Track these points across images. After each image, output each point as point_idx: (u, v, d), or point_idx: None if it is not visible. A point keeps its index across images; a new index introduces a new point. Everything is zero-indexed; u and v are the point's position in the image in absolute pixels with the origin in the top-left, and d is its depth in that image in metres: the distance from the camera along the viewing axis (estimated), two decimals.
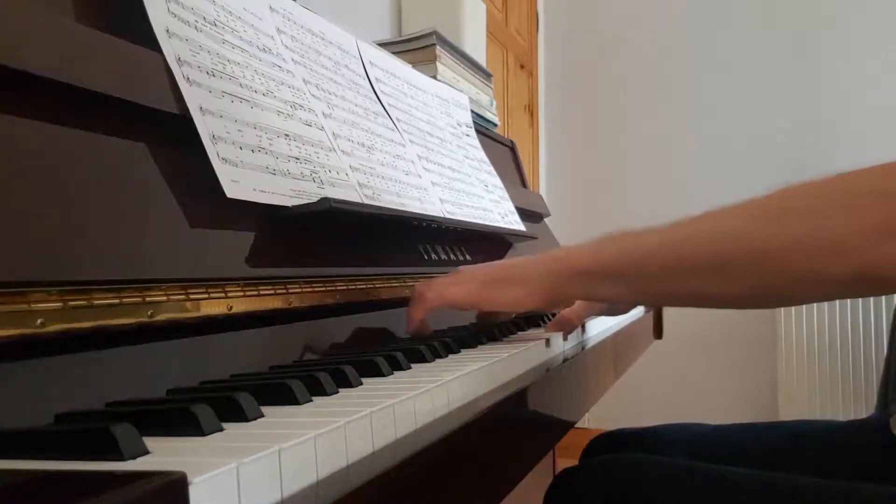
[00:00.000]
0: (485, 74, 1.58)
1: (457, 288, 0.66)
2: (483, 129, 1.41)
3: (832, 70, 2.57)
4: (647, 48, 2.83)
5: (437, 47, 1.36)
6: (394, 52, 1.16)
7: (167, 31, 0.58)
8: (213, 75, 0.61)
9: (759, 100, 2.66)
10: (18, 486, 0.26)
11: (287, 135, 0.68)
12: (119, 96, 0.51)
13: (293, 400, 0.40)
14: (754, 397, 2.60)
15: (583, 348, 0.78)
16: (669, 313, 1.39)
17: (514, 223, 1.23)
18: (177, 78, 0.57)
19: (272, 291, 0.57)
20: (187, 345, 0.50)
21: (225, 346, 0.53)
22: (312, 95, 0.77)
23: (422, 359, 0.56)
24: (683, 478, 0.71)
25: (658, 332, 1.38)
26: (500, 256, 1.15)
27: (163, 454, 0.29)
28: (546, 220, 1.61)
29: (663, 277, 0.56)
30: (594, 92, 2.92)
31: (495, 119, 1.60)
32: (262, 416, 0.37)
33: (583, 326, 0.85)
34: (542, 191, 2.83)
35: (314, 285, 0.63)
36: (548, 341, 0.69)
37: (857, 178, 0.48)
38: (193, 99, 0.57)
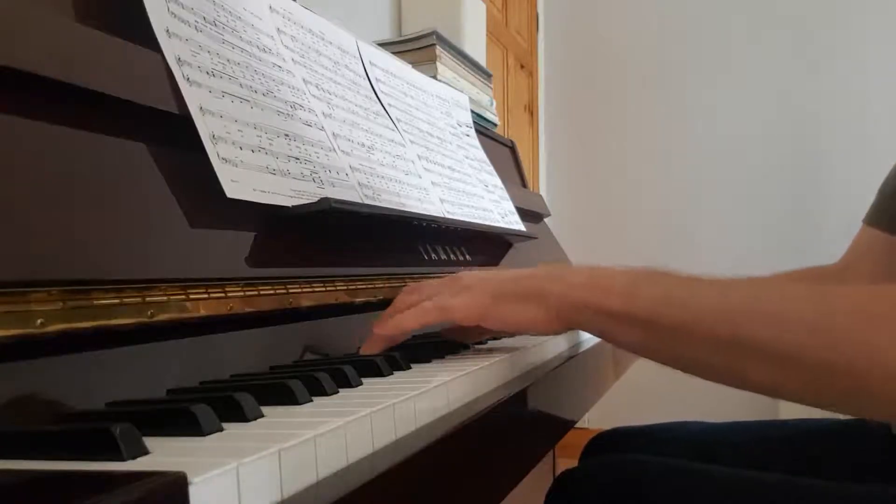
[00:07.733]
0: (485, 74, 1.58)
1: (459, 299, 0.56)
2: (483, 129, 1.41)
3: (832, 70, 2.57)
4: (647, 48, 2.82)
5: (437, 47, 1.36)
6: (394, 52, 1.16)
7: (167, 31, 0.58)
8: (213, 75, 0.61)
9: (759, 100, 2.65)
10: (18, 486, 0.26)
11: (287, 135, 0.68)
12: (119, 96, 0.51)
13: (293, 400, 0.40)
14: (754, 397, 2.57)
15: (583, 348, 0.78)
16: None
17: (514, 223, 1.23)
18: (177, 78, 0.56)
19: (272, 291, 0.57)
20: (187, 345, 0.50)
21: (225, 346, 0.53)
22: (312, 95, 0.77)
23: (422, 359, 0.56)
24: (683, 477, 0.70)
25: None
26: (501, 256, 1.15)
27: (163, 454, 0.29)
28: (546, 220, 1.61)
29: (706, 348, 0.48)
30: (594, 92, 2.92)
31: (495, 119, 1.60)
32: (262, 416, 0.37)
33: None
34: (542, 191, 2.82)
35: (314, 285, 0.63)
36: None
37: None
38: (193, 99, 0.57)
